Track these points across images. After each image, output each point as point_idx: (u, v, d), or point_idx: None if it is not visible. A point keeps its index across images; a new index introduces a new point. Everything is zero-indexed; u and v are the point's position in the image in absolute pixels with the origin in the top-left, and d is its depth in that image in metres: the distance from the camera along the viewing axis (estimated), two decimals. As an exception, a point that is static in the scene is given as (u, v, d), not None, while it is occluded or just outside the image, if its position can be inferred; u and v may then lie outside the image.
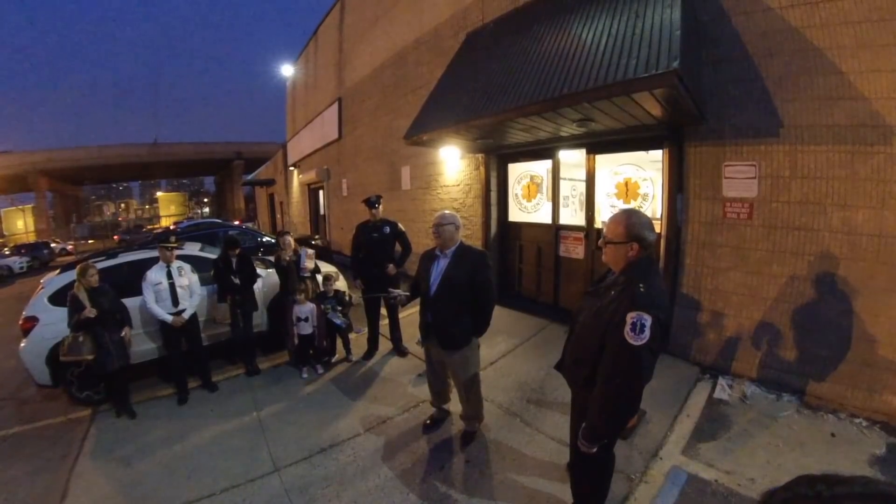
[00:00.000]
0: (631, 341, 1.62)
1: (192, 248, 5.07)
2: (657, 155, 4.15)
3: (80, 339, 3.43)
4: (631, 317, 1.63)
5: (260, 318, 4.82)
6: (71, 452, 3.26)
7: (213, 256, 4.70)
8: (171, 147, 43.00)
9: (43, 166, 36.01)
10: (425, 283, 2.84)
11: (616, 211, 2.74)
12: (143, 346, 4.24)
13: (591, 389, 1.82)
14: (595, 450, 1.82)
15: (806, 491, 0.57)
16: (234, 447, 3.19)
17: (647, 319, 1.61)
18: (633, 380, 1.67)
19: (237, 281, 4.32)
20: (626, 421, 1.83)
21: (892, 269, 2.86)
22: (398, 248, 4.62)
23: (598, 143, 4.64)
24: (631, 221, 1.80)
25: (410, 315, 4.45)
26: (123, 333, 3.69)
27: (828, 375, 3.14)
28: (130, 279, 4.05)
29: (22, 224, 40.42)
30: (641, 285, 1.69)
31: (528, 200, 5.95)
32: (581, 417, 1.89)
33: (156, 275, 3.88)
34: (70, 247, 26.82)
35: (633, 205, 4.82)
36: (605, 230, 1.90)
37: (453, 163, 6.65)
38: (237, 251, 4.39)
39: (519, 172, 6.02)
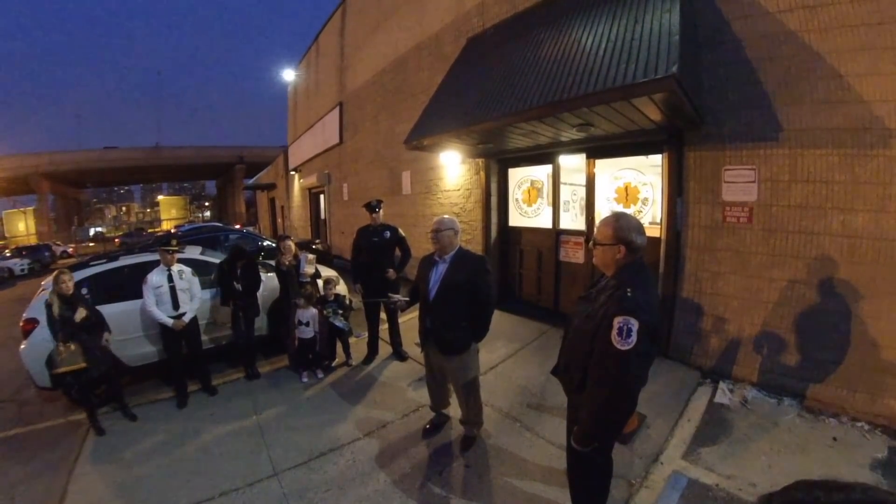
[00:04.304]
0: (618, 346, 1.61)
1: (193, 252, 5.08)
2: (657, 159, 4.16)
3: (73, 347, 3.38)
4: (618, 321, 1.62)
5: (261, 322, 4.82)
6: (70, 455, 3.26)
7: (215, 260, 4.70)
8: (172, 151, 43.22)
9: (45, 169, 36.21)
10: (424, 288, 2.84)
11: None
12: (143, 349, 4.24)
13: (584, 393, 1.81)
14: (588, 449, 1.80)
15: (803, 497, 0.56)
16: (233, 451, 3.18)
17: (634, 324, 1.60)
18: (621, 384, 1.65)
19: (239, 287, 4.33)
20: (619, 425, 1.80)
21: (892, 272, 2.86)
22: (398, 252, 4.62)
23: (598, 148, 4.65)
24: (619, 224, 1.80)
25: (410, 319, 4.45)
26: (104, 341, 3.61)
27: (829, 379, 3.13)
28: (131, 282, 4.06)
29: (23, 226, 40.52)
30: (629, 289, 1.68)
31: (529, 205, 5.96)
32: (576, 422, 1.88)
33: (157, 278, 3.88)
34: (71, 249, 26.86)
35: (632, 209, 4.83)
36: (595, 232, 1.91)
37: (454, 168, 6.67)
38: (243, 262, 4.39)
39: (519, 177, 6.03)
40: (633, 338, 1.59)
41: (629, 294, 1.67)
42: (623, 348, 1.60)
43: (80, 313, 3.46)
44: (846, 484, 0.55)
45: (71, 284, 3.51)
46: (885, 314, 2.90)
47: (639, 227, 1.80)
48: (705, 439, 2.92)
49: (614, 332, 1.62)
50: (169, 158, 42.33)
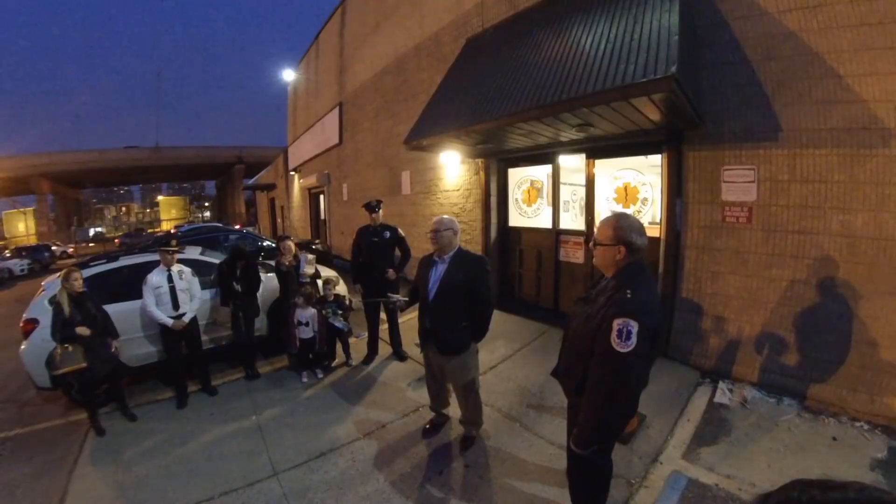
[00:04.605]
0: (617, 348, 1.60)
1: (193, 252, 5.08)
2: (656, 160, 4.16)
3: (70, 349, 3.35)
4: (617, 323, 1.61)
5: (260, 322, 4.82)
6: (70, 455, 3.26)
7: (214, 261, 4.70)
8: (172, 151, 43.16)
9: (44, 169, 36.14)
10: (424, 288, 2.84)
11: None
12: (143, 349, 4.24)
13: (583, 395, 1.80)
14: (587, 452, 1.79)
15: (799, 496, 0.56)
16: (233, 451, 3.18)
17: (634, 326, 1.59)
18: (620, 387, 1.65)
19: (239, 287, 4.32)
20: (618, 428, 1.79)
21: (891, 272, 2.86)
22: (398, 252, 4.62)
23: (597, 148, 4.65)
24: (619, 224, 1.79)
25: (410, 320, 4.45)
26: (113, 349, 3.62)
27: (828, 379, 3.13)
28: (131, 282, 4.06)
29: (23, 226, 40.50)
30: (629, 291, 1.67)
31: (529, 205, 5.96)
32: (576, 423, 1.87)
33: (156, 278, 3.88)
34: (71, 249, 26.86)
35: (632, 209, 4.83)
36: (595, 232, 1.90)
37: (453, 168, 6.68)
38: (243, 263, 4.39)
39: (519, 177, 6.03)
40: (633, 340, 1.58)
41: (629, 296, 1.66)
42: (623, 350, 1.59)
43: (84, 331, 3.41)
44: (842, 483, 0.55)
45: (81, 282, 3.52)
46: (885, 314, 2.90)
47: (639, 228, 1.79)
48: (705, 439, 2.92)
49: (614, 334, 1.61)
50: (169, 158, 42.26)
